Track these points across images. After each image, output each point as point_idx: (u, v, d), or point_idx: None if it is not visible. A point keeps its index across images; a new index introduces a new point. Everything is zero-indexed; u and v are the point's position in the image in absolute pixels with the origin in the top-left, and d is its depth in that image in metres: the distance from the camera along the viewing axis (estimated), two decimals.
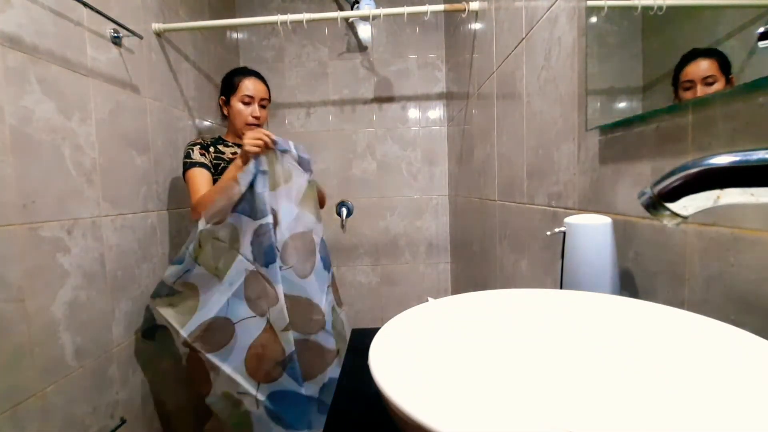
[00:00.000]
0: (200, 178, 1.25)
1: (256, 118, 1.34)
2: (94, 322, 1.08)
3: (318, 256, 1.25)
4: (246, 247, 1.17)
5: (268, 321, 1.16)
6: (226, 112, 1.37)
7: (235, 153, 1.35)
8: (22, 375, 0.86)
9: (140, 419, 1.26)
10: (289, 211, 1.22)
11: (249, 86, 1.33)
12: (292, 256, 1.20)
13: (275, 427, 1.16)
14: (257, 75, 1.37)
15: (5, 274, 0.83)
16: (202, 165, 1.26)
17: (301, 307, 1.19)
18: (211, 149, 1.33)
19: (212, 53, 1.86)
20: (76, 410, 1.01)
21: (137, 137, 1.28)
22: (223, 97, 1.36)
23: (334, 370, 1.22)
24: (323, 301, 1.23)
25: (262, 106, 1.37)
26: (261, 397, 1.15)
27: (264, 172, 1.16)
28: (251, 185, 1.14)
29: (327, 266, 1.28)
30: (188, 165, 1.26)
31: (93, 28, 1.11)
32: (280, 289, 1.14)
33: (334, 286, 1.34)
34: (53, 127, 0.97)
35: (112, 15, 1.13)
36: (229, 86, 1.34)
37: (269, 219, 1.15)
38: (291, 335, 1.14)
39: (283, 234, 1.19)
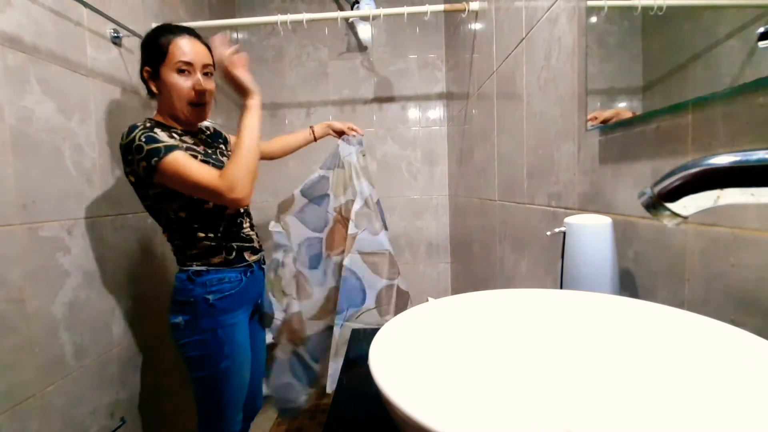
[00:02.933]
0: (195, 161, 0.93)
1: (202, 92, 1.00)
2: (94, 322, 1.08)
3: (380, 215, 1.45)
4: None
5: None
6: (154, 88, 1.00)
7: (196, 144, 1.04)
8: (22, 375, 0.86)
9: (140, 419, 1.26)
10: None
11: (184, 49, 0.97)
12: (362, 221, 1.41)
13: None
14: (192, 32, 1.02)
15: (5, 274, 0.83)
16: (180, 148, 0.93)
17: (384, 257, 1.41)
18: (174, 135, 0.99)
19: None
20: (76, 410, 1.01)
21: None
22: (148, 68, 0.99)
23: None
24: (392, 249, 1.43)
25: (207, 75, 1.02)
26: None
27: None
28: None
29: (385, 222, 1.47)
30: (165, 150, 0.90)
31: (93, 28, 1.11)
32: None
33: None
34: (53, 127, 0.97)
35: (112, 15, 1.13)
36: (154, 52, 0.97)
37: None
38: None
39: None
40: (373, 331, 0.40)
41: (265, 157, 1.36)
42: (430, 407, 0.27)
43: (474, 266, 1.64)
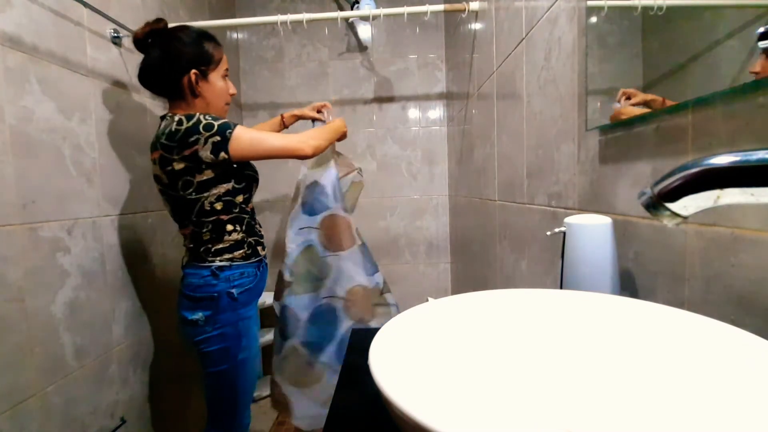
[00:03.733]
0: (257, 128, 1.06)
1: (233, 95, 1.15)
2: (94, 322, 1.08)
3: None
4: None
5: None
6: (197, 89, 1.06)
7: None
8: (22, 375, 0.86)
9: (140, 419, 1.26)
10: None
11: (226, 59, 1.12)
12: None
13: None
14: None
15: (5, 274, 0.83)
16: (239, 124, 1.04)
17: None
18: None
19: None
20: (76, 410, 1.01)
21: (137, 137, 1.28)
22: (197, 71, 1.05)
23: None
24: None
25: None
26: None
27: None
28: None
29: (306, 211, 1.44)
30: (233, 124, 1.01)
31: (93, 28, 1.11)
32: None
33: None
34: (53, 127, 0.97)
35: (112, 15, 1.13)
36: (203, 56, 1.06)
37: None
38: None
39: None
40: (373, 331, 0.40)
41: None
42: (430, 407, 0.27)
43: (474, 266, 1.64)
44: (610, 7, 0.60)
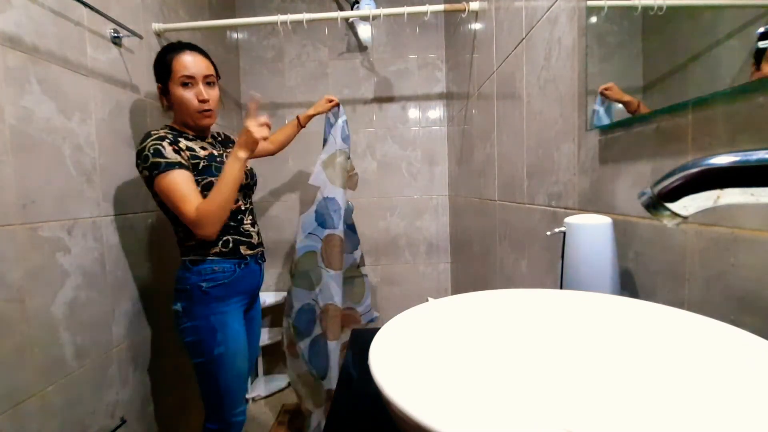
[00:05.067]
0: (188, 183, 1.03)
1: (205, 101, 1.09)
2: (94, 322, 1.08)
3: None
4: None
5: None
6: (168, 103, 1.12)
7: (205, 147, 1.13)
8: (22, 375, 0.86)
9: (140, 419, 1.26)
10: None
11: (186, 64, 1.07)
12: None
13: None
14: (193, 48, 1.11)
15: (5, 274, 0.83)
16: (181, 166, 1.02)
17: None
18: (182, 144, 1.07)
19: (212, 53, 1.85)
20: (76, 410, 1.01)
21: (137, 137, 1.28)
22: (160, 85, 1.11)
23: None
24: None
25: (209, 84, 1.11)
26: None
27: None
28: None
29: (318, 221, 1.63)
30: (164, 166, 1.00)
31: (93, 28, 1.11)
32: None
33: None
34: (53, 127, 0.97)
35: (112, 15, 1.13)
36: (162, 70, 1.08)
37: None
38: None
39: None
40: (373, 331, 0.40)
41: (266, 154, 1.53)
42: (430, 407, 0.27)
43: (474, 266, 1.64)
44: (610, 7, 0.60)
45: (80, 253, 1.04)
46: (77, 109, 1.04)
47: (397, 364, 0.36)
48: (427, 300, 0.50)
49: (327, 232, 1.61)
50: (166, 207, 1.08)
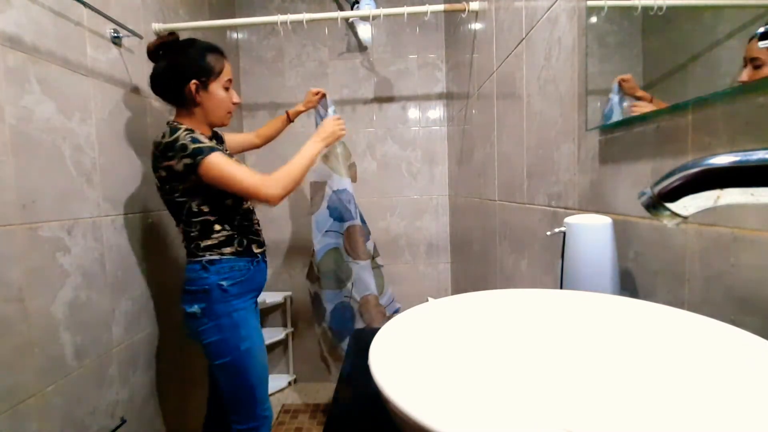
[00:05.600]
0: (234, 161, 1.06)
1: (237, 103, 1.19)
2: (94, 322, 1.08)
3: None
4: None
5: None
6: (197, 99, 1.10)
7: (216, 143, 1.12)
8: (22, 375, 0.86)
9: (140, 419, 1.26)
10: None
11: (229, 69, 1.15)
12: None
13: None
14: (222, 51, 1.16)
15: (5, 274, 0.83)
16: (218, 150, 1.05)
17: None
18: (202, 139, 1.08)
19: None
20: (76, 410, 1.01)
21: (137, 137, 1.28)
22: (197, 82, 1.09)
23: None
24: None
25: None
26: None
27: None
28: None
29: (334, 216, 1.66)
30: (207, 150, 1.02)
31: (93, 28, 1.11)
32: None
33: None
34: (53, 127, 0.97)
35: (112, 15, 1.13)
36: (204, 68, 1.10)
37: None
38: None
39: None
40: (374, 331, 0.40)
41: (251, 147, 1.54)
42: (430, 406, 0.27)
43: (474, 266, 1.64)
44: (610, 7, 0.60)
45: (80, 253, 1.04)
46: (77, 109, 1.04)
47: (397, 364, 0.36)
48: (427, 300, 0.50)
49: (347, 224, 1.59)
50: (182, 204, 1.08)
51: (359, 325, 1.60)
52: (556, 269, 0.60)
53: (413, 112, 2.19)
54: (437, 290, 2.25)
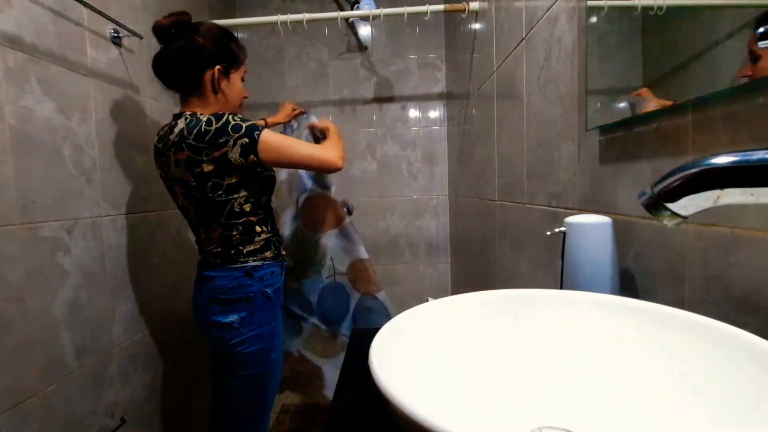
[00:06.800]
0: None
1: (246, 96, 1.18)
2: (94, 322, 1.08)
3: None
4: None
5: None
6: (217, 85, 1.05)
7: None
8: (22, 375, 0.86)
9: (140, 419, 1.26)
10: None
11: (247, 61, 1.16)
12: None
13: None
14: None
15: (5, 274, 0.83)
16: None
17: None
18: None
19: None
20: (76, 410, 1.01)
21: (137, 137, 1.28)
22: (221, 67, 1.05)
23: None
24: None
25: None
26: None
27: None
28: None
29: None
30: (260, 126, 1.00)
31: (93, 28, 1.11)
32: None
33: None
34: (53, 127, 0.97)
35: (112, 15, 1.13)
36: (232, 56, 1.07)
37: None
38: None
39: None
40: (374, 331, 0.40)
41: None
42: (430, 406, 0.27)
43: (474, 266, 1.64)
44: (610, 7, 0.60)
45: (80, 253, 1.04)
46: (77, 109, 1.04)
47: (397, 363, 0.36)
48: (427, 300, 0.50)
49: (302, 197, 1.45)
50: (224, 204, 1.01)
51: (355, 296, 1.47)
52: (556, 269, 0.60)
53: (413, 112, 2.19)
54: (437, 290, 2.25)
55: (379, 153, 2.20)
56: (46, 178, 0.94)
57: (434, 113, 2.19)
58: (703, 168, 0.27)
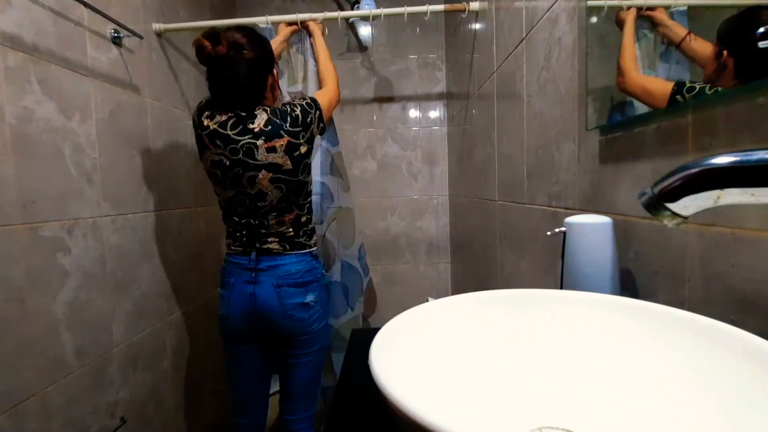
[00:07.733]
0: None
1: None
2: (94, 322, 1.08)
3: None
4: None
5: None
6: (273, 91, 1.14)
7: None
8: (22, 375, 0.86)
9: (140, 419, 1.26)
10: None
11: None
12: None
13: None
14: None
15: (5, 274, 0.83)
16: None
17: None
18: None
19: None
20: (76, 410, 1.01)
21: (137, 137, 1.28)
22: (276, 71, 1.15)
23: None
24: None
25: None
26: None
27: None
28: None
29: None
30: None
31: (93, 28, 1.11)
32: None
33: None
34: (53, 127, 0.97)
35: (112, 15, 1.13)
36: (272, 57, 1.11)
37: None
38: None
39: None
40: (374, 331, 0.40)
41: None
42: (430, 406, 0.27)
43: (474, 266, 1.64)
44: (610, 7, 0.60)
45: (80, 253, 1.04)
46: (77, 109, 1.04)
47: (397, 363, 0.36)
48: (427, 300, 0.50)
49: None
50: (304, 185, 1.11)
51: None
52: (556, 269, 0.60)
53: (413, 112, 2.19)
54: (437, 290, 2.25)
55: (380, 153, 2.20)
56: (46, 178, 0.94)
57: (434, 113, 2.19)
58: (703, 168, 0.27)
